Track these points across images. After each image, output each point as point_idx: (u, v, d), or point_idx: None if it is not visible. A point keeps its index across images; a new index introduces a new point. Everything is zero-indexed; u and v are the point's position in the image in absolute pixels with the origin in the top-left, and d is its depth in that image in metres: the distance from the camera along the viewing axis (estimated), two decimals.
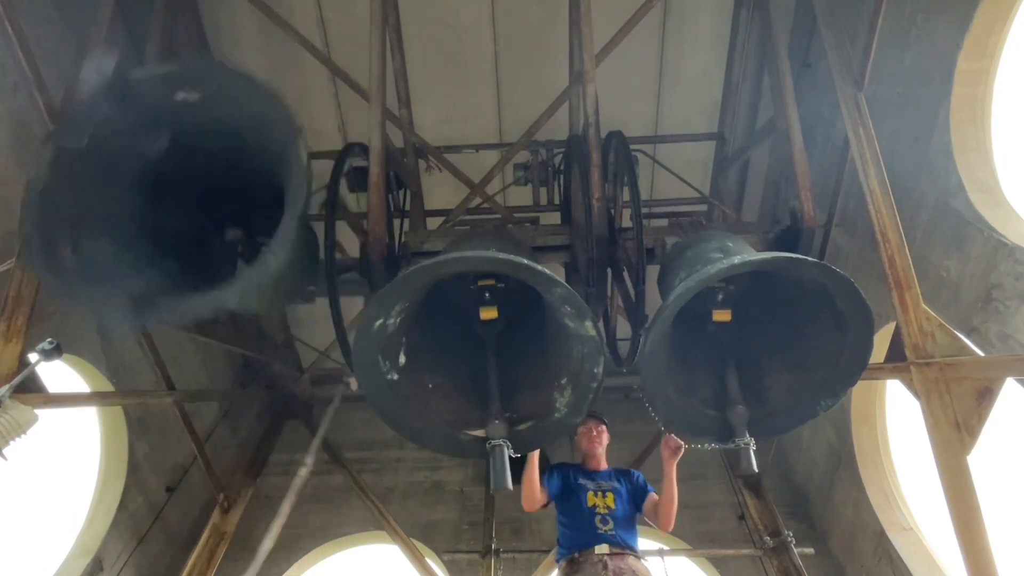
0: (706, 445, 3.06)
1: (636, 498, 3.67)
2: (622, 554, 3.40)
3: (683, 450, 3.36)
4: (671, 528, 3.50)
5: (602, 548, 3.40)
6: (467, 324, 3.22)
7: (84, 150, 2.80)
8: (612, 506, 3.56)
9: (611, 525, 3.48)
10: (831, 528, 6.09)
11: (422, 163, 5.95)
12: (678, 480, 3.47)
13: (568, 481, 3.69)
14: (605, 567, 3.33)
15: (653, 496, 3.65)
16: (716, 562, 6.08)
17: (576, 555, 3.44)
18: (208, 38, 5.81)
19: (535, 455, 3.43)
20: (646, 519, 3.63)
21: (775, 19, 4.59)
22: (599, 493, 3.62)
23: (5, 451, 3.27)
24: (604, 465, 3.83)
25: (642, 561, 3.49)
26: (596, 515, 3.53)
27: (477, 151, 6.45)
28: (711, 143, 6.55)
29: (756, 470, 2.86)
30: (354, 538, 6.57)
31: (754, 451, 2.86)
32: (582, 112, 4.30)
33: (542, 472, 3.65)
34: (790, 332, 3.14)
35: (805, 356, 3.06)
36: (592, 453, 3.81)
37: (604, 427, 3.89)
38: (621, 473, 3.80)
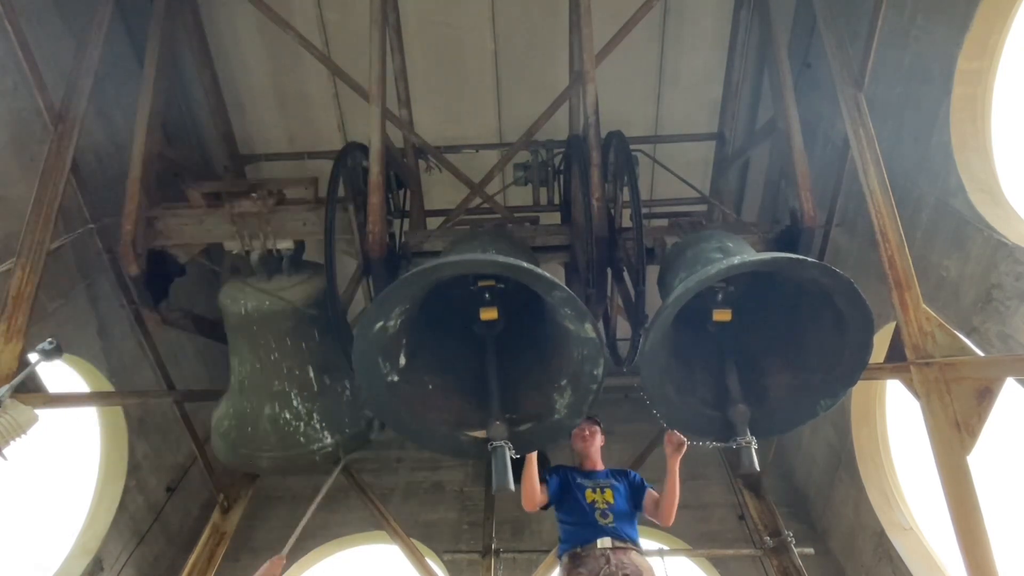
0: (708, 444, 3.06)
1: (634, 496, 3.68)
2: (625, 548, 3.41)
3: (686, 446, 3.36)
4: (671, 522, 3.51)
5: (604, 542, 3.41)
6: (467, 325, 3.22)
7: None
8: (611, 501, 3.58)
9: (611, 518, 3.50)
10: (831, 528, 6.09)
11: (422, 163, 5.94)
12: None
13: (566, 482, 3.71)
14: (608, 561, 3.33)
15: (652, 493, 3.66)
16: (716, 562, 6.08)
17: (578, 549, 3.45)
18: (208, 38, 5.80)
19: (533, 455, 3.44)
20: (647, 515, 3.64)
21: (775, 19, 4.59)
22: (597, 490, 3.64)
23: (5, 451, 3.27)
24: (600, 466, 3.85)
25: (644, 557, 3.49)
26: (596, 510, 3.55)
27: (477, 151, 6.45)
28: (711, 143, 6.55)
29: (758, 469, 2.85)
30: (354, 538, 6.57)
31: (756, 450, 2.85)
32: (582, 112, 4.29)
33: (542, 474, 3.67)
34: (790, 332, 3.14)
35: (805, 356, 3.06)
36: (586, 453, 3.82)
37: (597, 428, 3.90)
38: (618, 473, 3.82)
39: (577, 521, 3.57)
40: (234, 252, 4.15)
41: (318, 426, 3.96)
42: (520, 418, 2.98)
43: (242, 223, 4.08)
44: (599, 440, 3.88)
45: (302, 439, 3.91)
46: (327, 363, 4.02)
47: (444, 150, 6.03)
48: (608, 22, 4.78)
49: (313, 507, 4.24)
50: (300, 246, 4.25)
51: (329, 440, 3.96)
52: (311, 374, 3.97)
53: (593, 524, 3.50)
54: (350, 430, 4.02)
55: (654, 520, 3.59)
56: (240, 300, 3.83)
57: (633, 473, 3.85)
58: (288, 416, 3.93)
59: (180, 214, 4.20)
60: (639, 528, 3.70)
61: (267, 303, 3.81)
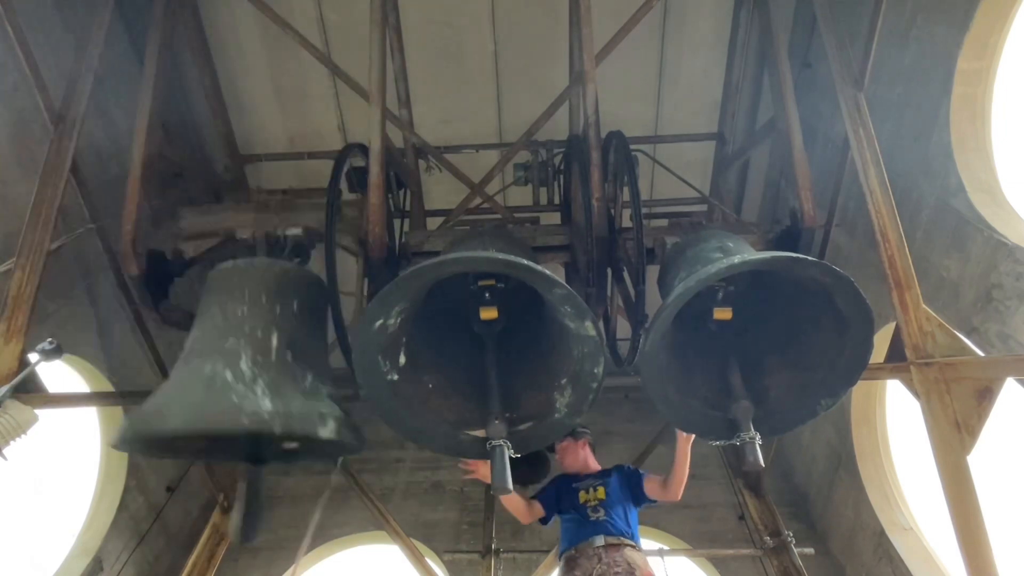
0: (713, 441, 3.06)
1: (629, 484, 3.72)
2: (618, 545, 3.42)
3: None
4: (679, 497, 3.56)
5: (597, 540, 3.44)
6: (467, 324, 3.22)
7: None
8: (602, 497, 3.63)
9: (602, 513, 3.54)
10: (831, 528, 6.09)
11: (422, 163, 5.94)
12: None
13: (560, 490, 3.78)
14: (600, 560, 3.35)
15: (653, 477, 3.71)
16: (716, 562, 6.08)
17: (573, 551, 3.48)
18: (208, 38, 5.80)
19: (513, 495, 3.46)
20: (651, 498, 3.67)
21: (775, 19, 4.59)
22: (589, 490, 3.70)
23: (5, 451, 3.27)
24: (593, 468, 3.92)
25: (640, 551, 3.50)
26: (587, 507, 3.60)
27: (477, 151, 6.44)
28: (711, 143, 6.55)
29: (763, 464, 2.84)
30: (354, 538, 6.57)
31: (760, 445, 2.85)
32: (582, 112, 4.29)
33: (539, 491, 3.84)
34: (790, 332, 3.14)
35: (805, 355, 3.05)
36: (572, 467, 3.91)
37: (568, 439, 3.97)
38: (609, 469, 3.87)
39: (573, 522, 3.63)
40: (243, 237, 4.14)
41: (258, 391, 2.92)
42: (520, 417, 2.97)
43: (262, 208, 4.16)
44: (579, 449, 3.95)
45: (234, 397, 2.84)
46: (297, 342, 3.31)
47: (444, 150, 6.02)
48: (608, 22, 4.78)
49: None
50: (306, 253, 4.25)
51: (268, 407, 2.83)
52: (274, 341, 3.21)
53: (585, 522, 3.54)
54: (297, 411, 2.92)
55: (662, 499, 3.62)
56: (231, 262, 3.50)
57: (625, 465, 3.89)
58: (229, 376, 2.93)
59: (208, 210, 4.34)
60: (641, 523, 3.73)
61: (258, 260, 3.59)
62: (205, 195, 5.97)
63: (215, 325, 3.29)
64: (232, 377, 2.92)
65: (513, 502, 3.62)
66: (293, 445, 3.00)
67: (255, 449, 2.92)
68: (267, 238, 4.04)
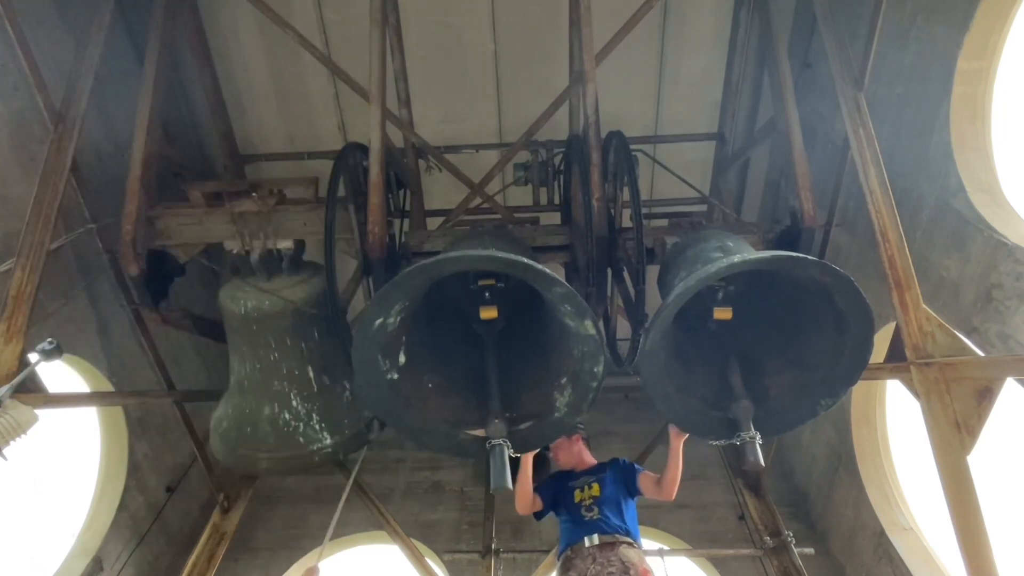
0: (713, 441, 3.05)
1: (624, 479, 3.70)
2: (612, 543, 3.38)
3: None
4: (673, 497, 3.52)
5: (592, 539, 3.41)
6: (467, 324, 3.23)
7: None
8: (597, 494, 3.60)
9: (596, 511, 3.51)
10: (831, 528, 6.09)
11: (422, 163, 5.94)
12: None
13: (558, 489, 3.76)
14: (594, 559, 3.33)
15: (648, 473, 3.68)
16: (716, 562, 6.08)
17: (569, 552, 3.46)
18: (208, 38, 5.80)
19: (529, 459, 3.47)
20: (647, 496, 3.65)
21: (775, 19, 4.59)
22: (584, 487, 3.68)
23: (5, 451, 3.27)
24: (588, 463, 3.89)
25: (636, 547, 3.46)
26: (582, 507, 3.58)
27: (477, 151, 6.45)
28: (711, 143, 6.55)
29: (763, 463, 2.84)
30: (354, 538, 6.57)
31: (760, 444, 2.84)
32: (582, 112, 4.29)
33: (537, 481, 3.75)
34: (790, 331, 3.14)
35: (805, 355, 3.06)
36: (567, 463, 3.89)
37: (562, 437, 3.88)
38: (604, 464, 3.85)
39: (569, 522, 3.61)
40: (234, 252, 4.16)
41: (317, 427, 3.95)
42: (520, 417, 2.98)
43: (242, 222, 4.09)
44: (573, 445, 3.93)
45: (301, 439, 3.88)
46: (327, 363, 4.03)
47: (444, 150, 6.03)
48: (608, 22, 4.78)
49: (338, 512, 4.42)
50: (300, 246, 4.26)
51: (328, 441, 3.94)
52: (311, 374, 3.96)
53: (580, 522, 3.52)
54: (349, 431, 4.00)
55: (656, 497, 3.59)
56: (240, 299, 3.84)
57: (621, 459, 3.86)
58: (287, 416, 3.92)
59: (180, 213, 4.21)
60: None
61: (266, 302, 3.81)
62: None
63: (254, 368, 3.94)
64: (291, 416, 3.90)
65: (525, 489, 3.57)
66: None
67: None
68: (261, 258, 4.08)
